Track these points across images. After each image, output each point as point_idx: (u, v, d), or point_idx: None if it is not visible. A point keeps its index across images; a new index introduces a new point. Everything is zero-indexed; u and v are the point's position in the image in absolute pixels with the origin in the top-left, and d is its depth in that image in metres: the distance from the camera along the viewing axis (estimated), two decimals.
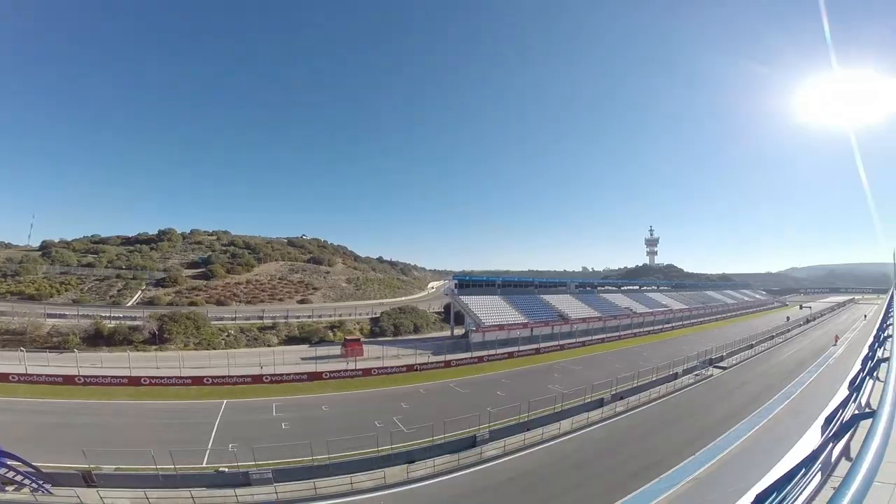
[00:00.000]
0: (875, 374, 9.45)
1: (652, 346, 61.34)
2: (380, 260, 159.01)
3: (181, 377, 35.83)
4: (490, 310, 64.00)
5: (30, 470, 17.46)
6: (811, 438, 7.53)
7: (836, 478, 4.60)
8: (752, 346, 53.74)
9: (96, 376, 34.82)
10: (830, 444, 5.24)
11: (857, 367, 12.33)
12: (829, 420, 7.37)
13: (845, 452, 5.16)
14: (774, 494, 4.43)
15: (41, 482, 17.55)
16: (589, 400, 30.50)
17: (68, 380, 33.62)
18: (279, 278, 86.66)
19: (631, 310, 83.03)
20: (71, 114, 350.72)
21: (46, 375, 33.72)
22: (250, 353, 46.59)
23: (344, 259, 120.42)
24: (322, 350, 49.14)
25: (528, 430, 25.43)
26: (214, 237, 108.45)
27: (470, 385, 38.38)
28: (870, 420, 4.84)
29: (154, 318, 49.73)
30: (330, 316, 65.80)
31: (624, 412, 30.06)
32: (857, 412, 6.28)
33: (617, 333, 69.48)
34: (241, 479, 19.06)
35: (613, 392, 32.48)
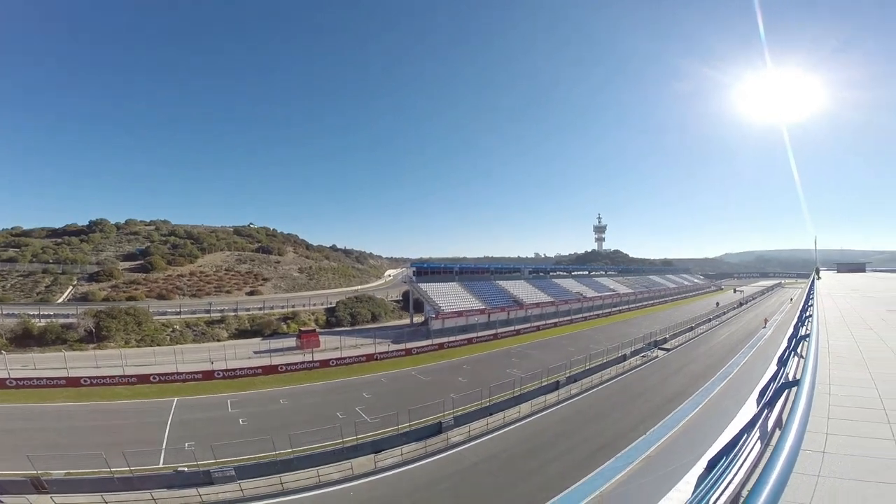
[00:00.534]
0: (799, 349, 10.28)
1: (601, 329, 64.27)
2: (333, 248, 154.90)
3: (125, 376, 33.59)
4: (449, 297, 64.41)
5: None
6: (749, 409, 8.16)
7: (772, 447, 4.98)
8: (692, 329, 57.46)
9: (30, 378, 32.18)
10: (765, 412, 5.64)
11: (784, 344, 13.45)
12: (762, 392, 7.96)
13: (779, 422, 5.53)
14: (724, 459, 4.69)
15: None
16: (546, 383, 31.66)
17: None
18: (226, 269, 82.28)
19: (581, 294, 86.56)
20: None
21: None
22: (199, 349, 44.38)
23: (295, 248, 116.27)
24: (276, 343, 47.41)
25: (490, 414, 26.02)
26: (153, 227, 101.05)
27: (432, 372, 38.57)
28: (795, 388, 5.40)
29: (90, 314, 45.87)
30: (282, 307, 63.35)
31: (578, 394, 31.27)
32: (783, 382, 6.84)
33: (569, 318, 72.29)
34: (203, 478, 18.30)
35: (568, 375, 33.72)
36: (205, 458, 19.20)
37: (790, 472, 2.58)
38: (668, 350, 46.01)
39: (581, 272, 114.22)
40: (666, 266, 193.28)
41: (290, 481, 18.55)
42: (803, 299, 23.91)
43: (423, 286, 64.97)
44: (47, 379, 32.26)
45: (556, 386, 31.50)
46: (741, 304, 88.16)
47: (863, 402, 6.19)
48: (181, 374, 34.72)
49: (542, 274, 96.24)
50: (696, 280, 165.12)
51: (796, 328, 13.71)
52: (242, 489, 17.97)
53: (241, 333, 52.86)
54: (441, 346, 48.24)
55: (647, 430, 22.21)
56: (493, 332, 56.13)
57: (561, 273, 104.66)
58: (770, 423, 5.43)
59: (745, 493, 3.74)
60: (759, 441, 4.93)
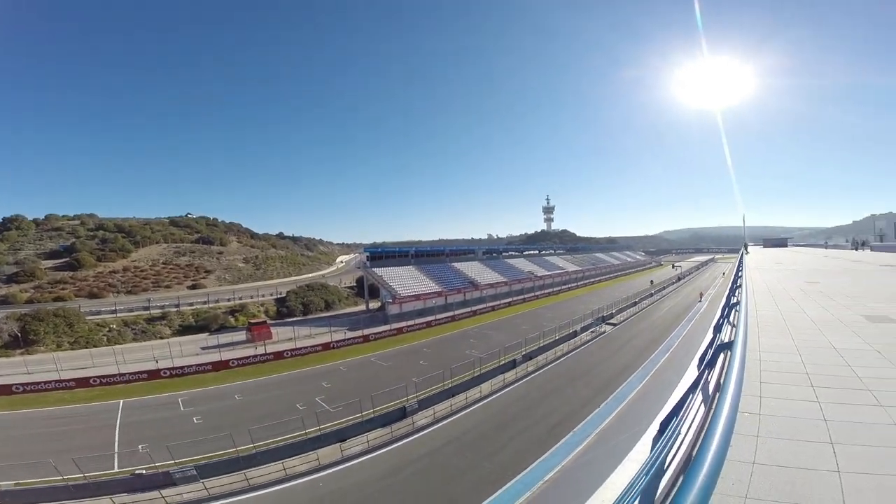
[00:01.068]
0: (731, 318, 11.37)
1: (553, 306, 66.78)
2: (280, 236, 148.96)
3: (62, 380, 31.34)
4: (405, 280, 64.32)
5: None
6: (692, 373, 8.86)
7: (714, 408, 5.59)
8: (636, 304, 60.86)
9: None
10: (706, 373, 6.20)
11: (718, 313, 14.67)
12: (702, 358, 8.76)
13: (718, 385, 6.18)
14: (674, 419, 5.15)
15: None
16: (504, 362, 32.61)
17: None
18: (163, 263, 77.07)
19: (533, 273, 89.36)
20: None
21: None
22: (141, 348, 41.78)
23: (239, 237, 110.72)
24: (224, 337, 45.22)
25: (453, 396, 26.53)
26: (77, 222, 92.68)
27: (392, 357, 38.62)
28: (729, 350, 5.91)
29: (13, 318, 41.85)
30: (229, 300, 60.33)
31: (534, 371, 32.49)
32: (719, 345, 7.59)
33: (522, 297, 74.56)
34: (163, 480, 17.64)
35: (523, 353, 34.88)
36: (162, 460, 18.48)
37: (731, 432, 2.85)
38: (614, 325, 48.54)
39: (532, 252, 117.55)
40: (610, 244, 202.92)
41: (255, 476, 18.17)
42: (734, 273, 25.99)
43: (378, 271, 64.40)
44: None
45: (513, 364, 32.63)
46: (679, 279, 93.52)
47: (789, 367, 6.93)
48: (124, 375, 32.68)
49: (495, 255, 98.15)
50: (637, 257, 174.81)
51: (728, 298, 14.92)
52: (207, 488, 17.44)
53: (186, 329, 50.07)
54: (400, 330, 48.29)
55: (601, 402, 23.68)
56: (450, 314, 56.92)
57: (513, 253, 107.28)
58: (711, 386, 5.99)
59: (695, 451, 4.15)
60: (702, 403, 5.46)
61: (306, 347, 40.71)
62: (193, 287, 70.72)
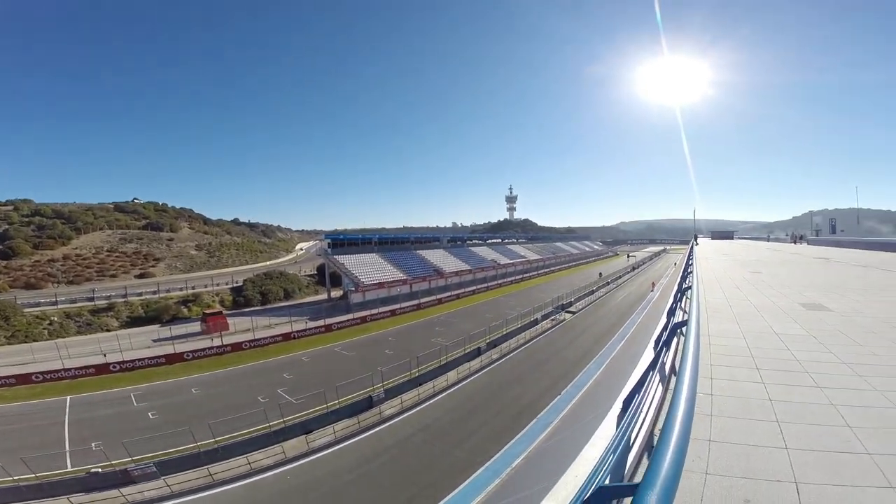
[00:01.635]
0: (682, 304, 12.10)
1: (515, 294, 68.23)
2: (236, 222, 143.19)
3: (0, 377, 29.17)
4: (368, 268, 63.66)
5: None
6: (650, 355, 9.29)
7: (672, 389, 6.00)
8: (593, 293, 63.19)
9: None
10: (663, 352, 6.58)
11: (671, 300, 15.47)
12: (658, 339, 9.32)
13: (673, 367, 6.64)
14: (636, 397, 5.50)
15: None
16: (469, 350, 33.14)
17: None
18: (108, 250, 72.44)
19: (496, 262, 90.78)
20: None
21: None
22: (87, 341, 39.31)
23: (191, 223, 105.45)
24: (178, 329, 43.37)
25: (420, 385, 26.74)
26: (10, 207, 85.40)
27: (356, 347, 38.31)
28: (684, 328, 6.45)
29: None
30: (181, 289, 57.53)
31: (499, 359, 33.23)
32: (674, 324, 8.11)
33: (485, 285, 75.56)
34: (121, 478, 16.96)
35: (488, 341, 35.55)
36: (118, 457, 17.73)
37: (693, 411, 3.00)
38: (574, 313, 50.23)
39: (495, 240, 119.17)
40: (569, 234, 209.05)
41: (219, 472, 17.72)
42: (685, 260, 27.39)
43: (341, 258, 63.33)
44: None
45: (478, 352, 33.23)
46: (634, 269, 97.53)
47: (735, 350, 7.45)
48: (69, 370, 30.78)
49: (459, 243, 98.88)
50: (595, 246, 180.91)
51: (680, 284, 15.75)
52: (168, 485, 16.87)
53: (135, 321, 47.49)
54: (363, 319, 47.87)
55: (564, 387, 24.47)
56: (416, 302, 56.97)
57: (477, 241, 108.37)
58: (667, 365, 6.36)
59: (657, 428, 4.43)
60: (660, 382, 5.82)
61: (266, 338, 39.62)
62: (142, 276, 67.02)
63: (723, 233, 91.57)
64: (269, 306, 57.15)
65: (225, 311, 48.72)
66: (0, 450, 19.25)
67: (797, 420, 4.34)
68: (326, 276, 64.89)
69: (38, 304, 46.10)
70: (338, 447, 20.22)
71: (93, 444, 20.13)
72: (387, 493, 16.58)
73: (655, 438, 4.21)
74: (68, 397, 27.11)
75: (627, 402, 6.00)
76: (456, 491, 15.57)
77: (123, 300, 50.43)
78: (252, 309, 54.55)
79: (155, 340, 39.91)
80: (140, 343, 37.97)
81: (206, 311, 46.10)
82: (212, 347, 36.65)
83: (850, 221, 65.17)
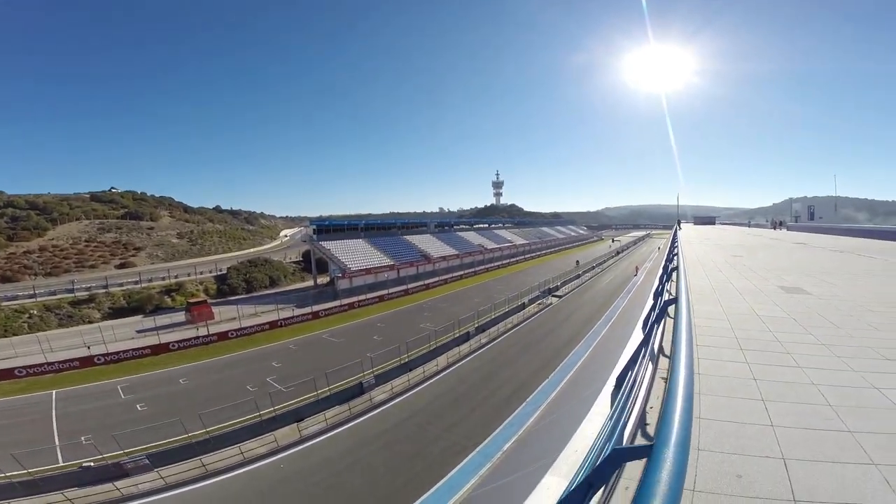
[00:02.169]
0: (670, 277, 12.36)
1: (502, 279, 68.75)
2: (217, 210, 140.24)
3: None
4: (355, 254, 63.35)
5: None
6: (639, 335, 9.49)
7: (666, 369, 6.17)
8: (579, 276, 63.92)
9: None
10: (654, 328, 6.68)
11: (657, 282, 15.76)
12: (647, 318, 9.52)
13: (662, 349, 6.84)
14: (630, 374, 5.66)
15: None
16: (458, 335, 33.42)
17: None
18: (86, 240, 70.55)
19: (483, 246, 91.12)
20: None
21: None
22: (69, 334, 38.48)
23: (171, 211, 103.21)
24: (162, 319, 42.67)
25: (410, 370, 26.92)
26: None
27: (344, 333, 38.30)
28: (674, 305, 6.65)
29: None
30: (163, 278, 56.39)
31: (488, 343, 33.59)
32: (665, 301, 8.30)
33: (473, 269, 76.00)
34: (115, 471, 16.86)
35: (476, 326, 35.91)
36: (109, 450, 17.63)
37: (693, 376, 3.17)
38: (560, 297, 50.83)
39: (482, 225, 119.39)
40: (555, 218, 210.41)
41: (212, 462, 17.68)
42: (668, 247, 27.89)
43: (327, 245, 62.80)
44: None
45: (467, 337, 33.55)
46: (619, 253, 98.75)
47: (719, 331, 7.67)
48: (53, 363, 30.14)
49: (446, 228, 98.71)
50: (580, 231, 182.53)
51: (665, 267, 16.06)
52: (163, 476, 16.81)
53: (118, 312, 46.56)
54: (351, 305, 47.83)
55: (553, 369, 24.88)
56: (403, 287, 57.01)
57: (464, 226, 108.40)
58: (658, 342, 6.55)
59: (650, 406, 4.54)
60: (650, 361, 5.99)
61: (252, 327, 39.36)
62: (122, 266, 65.65)
63: (705, 218, 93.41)
64: (254, 294, 56.57)
65: (209, 300, 48.03)
66: None
67: (781, 398, 4.54)
68: (312, 263, 64.30)
69: (15, 298, 44.77)
70: (330, 434, 20.27)
71: (83, 439, 19.92)
72: (381, 478, 16.73)
73: (650, 412, 4.38)
74: (54, 391, 26.64)
75: (621, 379, 6.16)
76: (449, 475, 15.83)
77: (105, 291, 49.31)
78: (237, 297, 53.90)
79: (139, 331, 39.23)
80: (124, 334, 37.36)
81: (191, 301, 45.43)
82: (198, 337, 36.27)
83: (829, 209, 67.13)
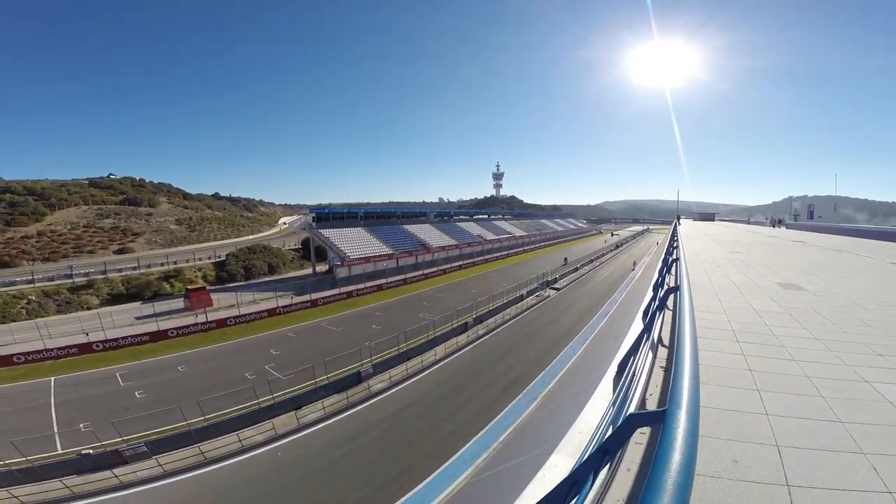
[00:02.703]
0: (670, 270, 12.47)
1: (501, 270, 68.89)
2: (216, 196, 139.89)
3: None
4: (355, 242, 63.39)
5: None
6: (638, 325, 9.54)
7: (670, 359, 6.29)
8: (577, 269, 64.02)
9: None
10: (656, 315, 6.81)
11: (657, 275, 15.85)
12: (647, 309, 9.59)
13: (661, 339, 6.93)
14: (631, 359, 5.77)
15: None
16: (456, 325, 33.58)
17: None
18: (84, 226, 70.21)
19: (482, 237, 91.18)
20: None
21: None
22: (67, 320, 38.48)
23: (170, 198, 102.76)
24: (161, 305, 42.69)
25: (408, 359, 27.04)
26: None
27: (343, 322, 38.45)
28: (676, 293, 6.87)
29: None
30: (162, 265, 56.08)
31: (486, 334, 33.75)
32: (668, 288, 8.39)
33: (472, 260, 76.14)
34: (113, 458, 16.96)
35: (475, 316, 36.05)
36: (108, 438, 17.71)
37: (697, 352, 3.25)
38: (558, 290, 50.97)
39: (481, 216, 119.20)
40: (555, 211, 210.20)
41: (211, 450, 17.82)
42: (667, 242, 28.01)
43: (326, 232, 62.79)
44: None
45: (465, 327, 33.74)
46: (617, 247, 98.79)
47: (717, 323, 7.82)
48: (51, 350, 30.09)
49: (446, 218, 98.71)
50: (580, 224, 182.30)
51: (665, 260, 16.17)
52: (161, 464, 16.94)
53: (116, 298, 46.51)
54: (350, 294, 47.96)
55: (551, 360, 25.04)
56: (402, 276, 57.18)
57: (463, 217, 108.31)
58: (656, 332, 6.64)
59: (649, 393, 4.65)
60: (650, 350, 6.11)
61: (251, 314, 39.49)
62: (121, 251, 65.52)
63: (704, 214, 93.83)
64: (253, 281, 56.55)
65: (208, 287, 48.09)
66: None
67: (776, 389, 4.67)
68: (311, 251, 64.27)
69: (13, 283, 44.65)
70: (328, 422, 20.41)
71: (81, 426, 19.99)
72: (378, 467, 16.89)
73: (650, 398, 4.50)
74: (52, 378, 26.64)
75: (623, 366, 6.26)
76: (446, 464, 15.99)
77: (103, 277, 49.22)
78: (236, 284, 53.83)
79: (138, 318, 39.33)
80: (122, 321, 37.43)
81: (189, 287, 45.49)
82: (196, 324, 36.36)
83: (828, 208, 67.37)
